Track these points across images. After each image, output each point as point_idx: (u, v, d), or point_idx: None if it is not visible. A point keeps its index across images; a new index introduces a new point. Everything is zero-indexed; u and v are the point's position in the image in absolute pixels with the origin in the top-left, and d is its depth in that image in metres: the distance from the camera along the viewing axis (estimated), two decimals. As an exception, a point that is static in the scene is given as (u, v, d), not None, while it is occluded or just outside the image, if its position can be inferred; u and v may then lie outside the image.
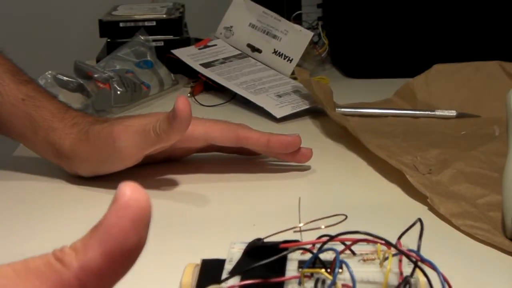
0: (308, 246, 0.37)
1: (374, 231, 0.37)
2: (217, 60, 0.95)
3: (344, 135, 0.74)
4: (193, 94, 0.92)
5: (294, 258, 0.37)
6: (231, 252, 0.39)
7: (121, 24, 1.00)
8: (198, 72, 0.92)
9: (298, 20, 1.07)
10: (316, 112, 0.84)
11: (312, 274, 0.35)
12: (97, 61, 0.95)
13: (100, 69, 0.86)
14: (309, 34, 0.95)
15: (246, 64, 0.96)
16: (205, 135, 0.65)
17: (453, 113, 0.81)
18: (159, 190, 0.63)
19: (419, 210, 0.58)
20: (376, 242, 0.36)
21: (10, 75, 0.65)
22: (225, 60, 0.96)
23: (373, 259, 0.37)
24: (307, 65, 1.00)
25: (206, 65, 0.94)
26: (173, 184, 0.65)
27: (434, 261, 0.36)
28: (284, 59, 0.95)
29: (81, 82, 0.83)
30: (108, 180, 0.63)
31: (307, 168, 0.67)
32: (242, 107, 0.88)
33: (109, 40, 1.00)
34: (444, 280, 0.34)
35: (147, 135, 0.59)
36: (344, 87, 0.95)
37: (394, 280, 0.34)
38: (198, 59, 0.95)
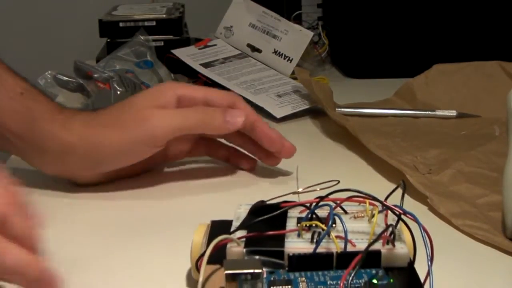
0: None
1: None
2: (217, 60, 0.95)
3: (344, 135, 0.74)
4: (193, 94, 0.92)
5: (293, 216, 0.42)
6: (237, 212, 0.43)
7: (121, 24, 1.00)
8: (198, 72, 0.92)
9: (298, 20, 1.07)
10: (316, 112, 0.84)
11: (309, 228, 0.40)
12: (97, 61, 0.95)
13: (100, 69, 0.86)
14: (309, 34, 0.95)
15: (246, 64, 0.96)
16: (205, 98, 0.64)
17: (453, 113, 0.81)
18: (157, 191, 0.63)
19: (419, 210, 0.57)
20: (364, 199, 0.41)
21: (7, 71, 0.65)
22: (225, 60, 0.96)
23: (362, 217, 0.41)
24: (307, 65, 1.00)
25: (206, 65, 0.94)
26: (173, 184, 0.65)
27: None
28: (284, 59, 0.95)
29: (81, 82, 0.83)
30: (107, 184, 0.62)
31: (307, 168, 0.67)
32: (242, 107, 0.87)
33: (109, 40, 1.00)
34: (424, 230, 0.38)
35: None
36: (344, 87, 0.95)
37: (380, 231, 0.38)
38: (198, 59, 0.95)
